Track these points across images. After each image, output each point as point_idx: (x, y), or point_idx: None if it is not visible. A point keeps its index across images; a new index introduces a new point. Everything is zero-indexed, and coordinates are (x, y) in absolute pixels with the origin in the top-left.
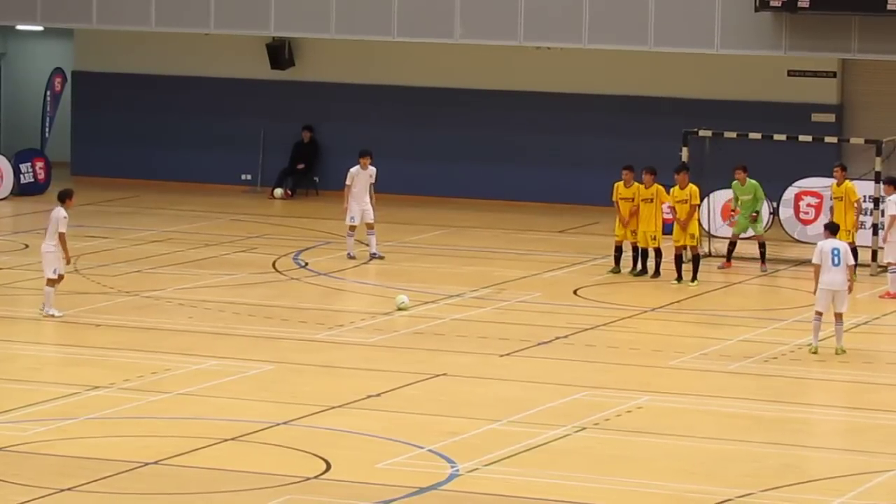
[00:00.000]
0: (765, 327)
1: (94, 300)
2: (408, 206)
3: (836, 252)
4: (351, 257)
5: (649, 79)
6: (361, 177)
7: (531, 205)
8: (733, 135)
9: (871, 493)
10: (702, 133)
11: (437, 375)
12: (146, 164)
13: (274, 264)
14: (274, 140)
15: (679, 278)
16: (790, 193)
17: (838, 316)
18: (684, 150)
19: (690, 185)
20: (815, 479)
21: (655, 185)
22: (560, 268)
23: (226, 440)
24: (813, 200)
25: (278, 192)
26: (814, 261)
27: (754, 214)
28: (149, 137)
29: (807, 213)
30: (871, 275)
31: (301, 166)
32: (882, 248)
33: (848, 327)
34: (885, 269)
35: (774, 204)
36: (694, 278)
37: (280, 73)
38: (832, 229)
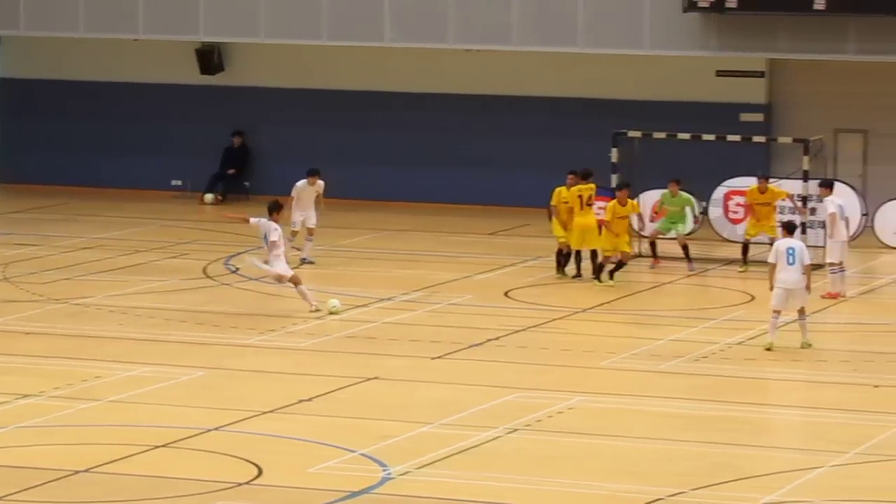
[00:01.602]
0: (695, 327)
1: (23, 308)
2: (340, 210)
3: (791, 251)
4: (309, 263)
5: (579, 80)
6: (307, 192)
7: (463, 207)
8: (663, 135)
9: (802, 490)
10: (631, 134)
11: (369, 379)
12: (76, 170)
13: (205, 270)
14: (204, 145)
15: (598, 278)
16: (719, 193)
17: (801, 312)
18: (614, 150)
19: (630, 200)
20: (747, 477)
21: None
22: (492, 270)
23: (157, 447)
24: (742, 200)
25: (209, 197)
26: (770, 260)
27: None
28: (79, 144)
29: (736, 212)
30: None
31: (232, 171)
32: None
33: (783, 324)
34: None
35: (704, 204)
36: (611, 276)
37: (210, 77)
38: (790, 229)
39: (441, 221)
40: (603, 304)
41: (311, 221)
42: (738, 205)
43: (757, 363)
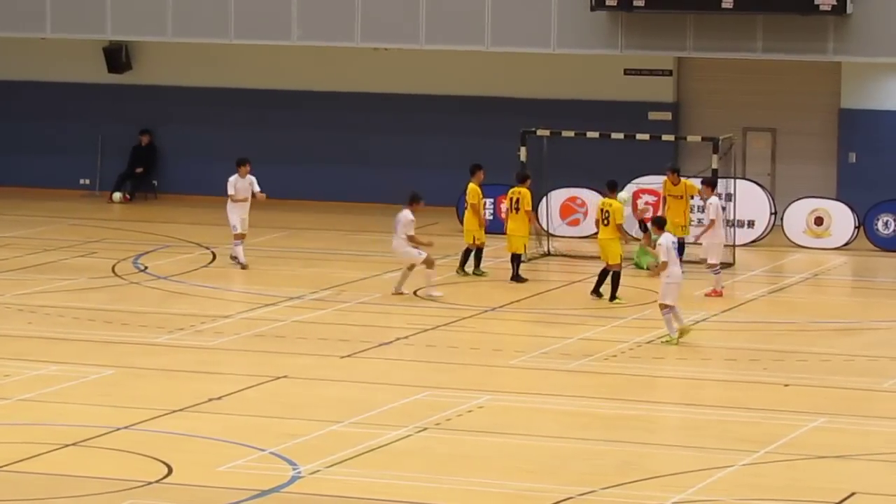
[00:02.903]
0: (604, 325)
1: None
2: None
3: (675, 245)
4: (243, 266)
5: (487, 79)
6: (242, 185)
7: (371, 206)
8: (571, 133)
9: (712, 489)
10: (540, 132)
11: (278, 378)
12: None
13: (113, 268)
14: (112, 144)
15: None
16: (629, 191)
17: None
18: (522, 149)
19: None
20: (657, 476)
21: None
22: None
23: (66, 445)
24: (651, 198)
25: (117, 196)
26: (662, 258)
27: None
28: None
29: (646, 210)
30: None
31: (139, 170)
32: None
33: (687, 324)
34: (721, 265)
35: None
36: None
37: (117, 76)
38: (661, 224)
39: (348, 220)
40: (512, 302)
41: (245, 224)
42: (647, 203)
43: (666, 361)
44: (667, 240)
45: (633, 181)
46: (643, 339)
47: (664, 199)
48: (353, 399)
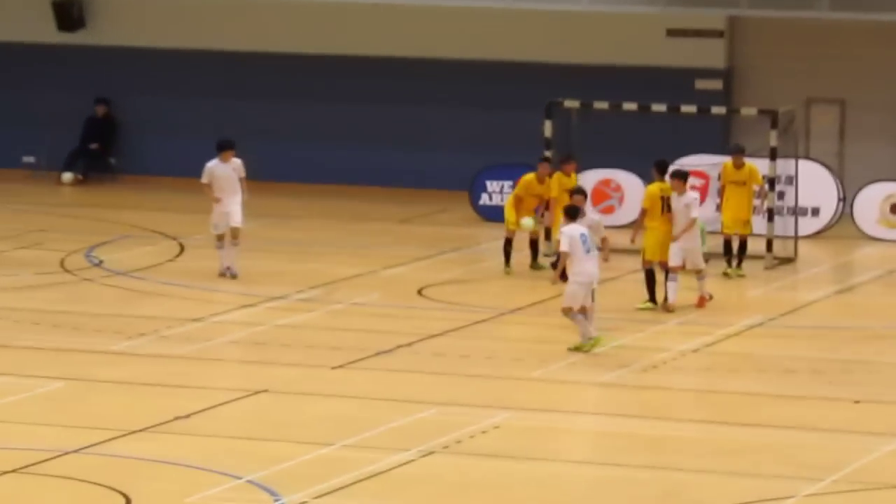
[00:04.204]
0: (644, 331)
1: None
2: None
3: (584, 238)
4: (223, 275)
5: (508, 41)
6: (222, 173)
7: (369, 189)
8: (605, 105)
9: None
10: (568, 104)
11: (258, 392)
12: None
13: (62, 263)
14: (62, 115)
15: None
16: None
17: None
18: (547, 123)
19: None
20: None
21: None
22: (402, 263)
23: (7, 472)
24: (698, 181)
25: (67, 176)
26: (563, 248)
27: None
28: None
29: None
30: (766, 268)
31: (94, 146)
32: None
33: (739, 329)
34: (780, 261)
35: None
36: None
37: (69, 35)
38: (572, 214)
39: (341, 206)
40: (535, 303)
41: (236, 218)
42: (693, 188)
43: (715, 374)
44: (573, 230)
45: (676, 162)
46: (689, 346)
47: (723, 187)
48: (347, 417)
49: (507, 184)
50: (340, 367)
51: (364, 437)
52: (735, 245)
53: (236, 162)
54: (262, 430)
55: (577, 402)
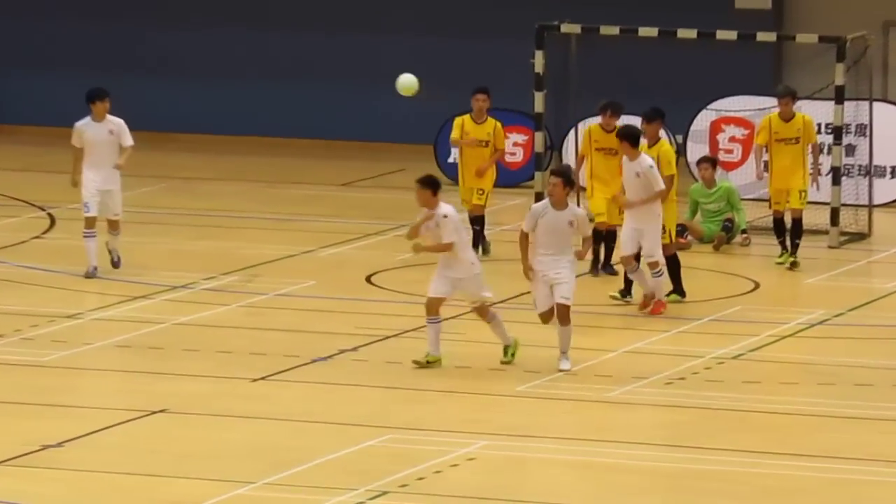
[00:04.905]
0: (667, 330)
1: None
2: None
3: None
4: (90, 275)
5: None
6: (95, 136)
7: (299, 143)
8: (615, 30)
9: None
10: (565, 28)
11: (154, 412)
12: None
13: None
14: None
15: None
16: (704, 121)
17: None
18: (538, 54)
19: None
20: None
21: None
22: (345, 242)
23: None
24: (738, 132)
25: None
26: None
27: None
28: None
29: (730, 151)
30: (831, 246)
31: None
32: None
33: (794, 329)
34: (849, 237)
35: (679, 138)
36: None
37: None
38: (433, 185)
39: (263, 165)
40: (522, 294)
41: (115, 206)
42: (732, 139)
43: (763, 389)
44: (455, 212)
45: (710, 106)
46: (727, 351)
47: (766, 145)
48: (271, 446)
49: None
50: (263, 378)
51: (294, 474)
52: (787, 225)
53: (116, 122)
54: (159, 463)
55: (576, 426)
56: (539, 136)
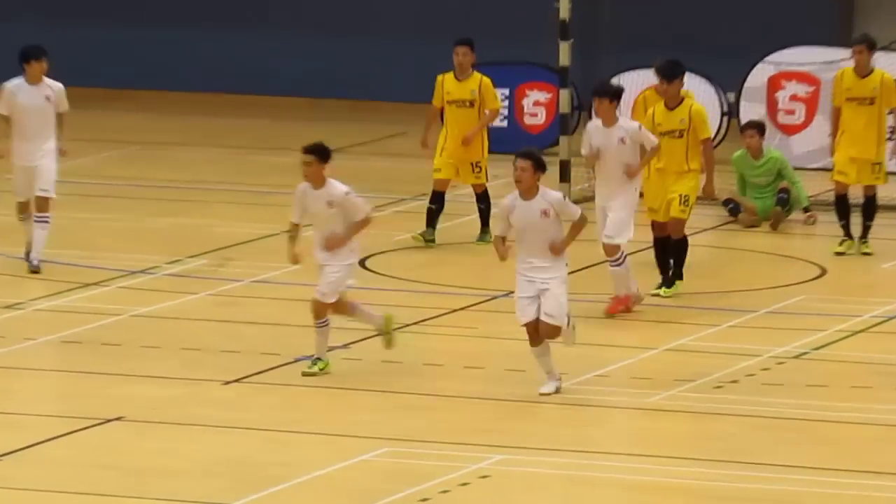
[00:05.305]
0: (718, 324)
1: None
2: None
3: None
4: (34, 269)
5: None
6: (28, 102)
7: (279, 101)
8: None
9: None
10: None
11: (108, 420)
12: None
13: None
14: None
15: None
16: (761, 76)
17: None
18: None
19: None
20: None
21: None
22: None
23: None
24: (801, 89)
25: None
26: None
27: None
28: None
29: (791, 111)
30: None
31: None
32: None
33: (868, 324)
34: None
35: (732, 97)
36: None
37: None
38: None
39: (238, 128)
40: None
41: (44, 181)
42: (793, 98)
43: (832, 393)
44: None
45: (766, 58)
46: (788, 350)
47: (837, 107)
48: (247, 461)
49: (502, 92)
50: (237, 381)
51: (273, 494)
52: (858, 203)
53: (54, 86)
54: (112, 481)
55: (607, 438)
56: (564, 94)
